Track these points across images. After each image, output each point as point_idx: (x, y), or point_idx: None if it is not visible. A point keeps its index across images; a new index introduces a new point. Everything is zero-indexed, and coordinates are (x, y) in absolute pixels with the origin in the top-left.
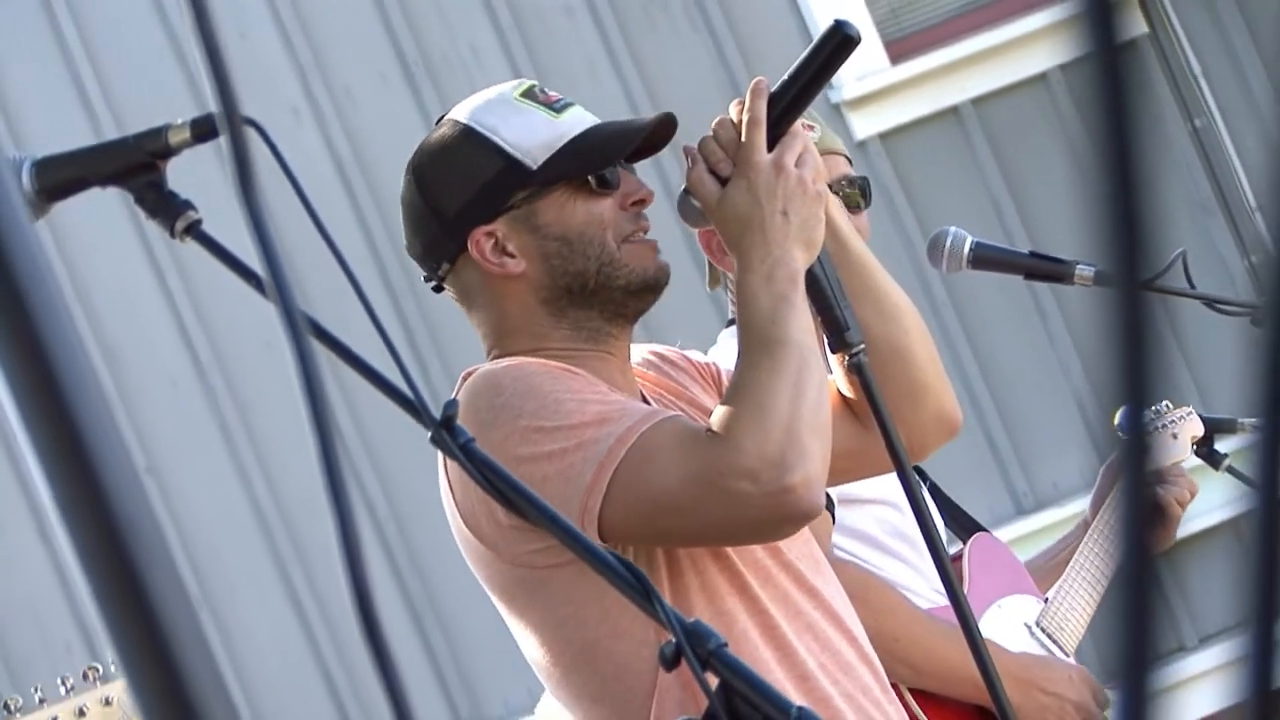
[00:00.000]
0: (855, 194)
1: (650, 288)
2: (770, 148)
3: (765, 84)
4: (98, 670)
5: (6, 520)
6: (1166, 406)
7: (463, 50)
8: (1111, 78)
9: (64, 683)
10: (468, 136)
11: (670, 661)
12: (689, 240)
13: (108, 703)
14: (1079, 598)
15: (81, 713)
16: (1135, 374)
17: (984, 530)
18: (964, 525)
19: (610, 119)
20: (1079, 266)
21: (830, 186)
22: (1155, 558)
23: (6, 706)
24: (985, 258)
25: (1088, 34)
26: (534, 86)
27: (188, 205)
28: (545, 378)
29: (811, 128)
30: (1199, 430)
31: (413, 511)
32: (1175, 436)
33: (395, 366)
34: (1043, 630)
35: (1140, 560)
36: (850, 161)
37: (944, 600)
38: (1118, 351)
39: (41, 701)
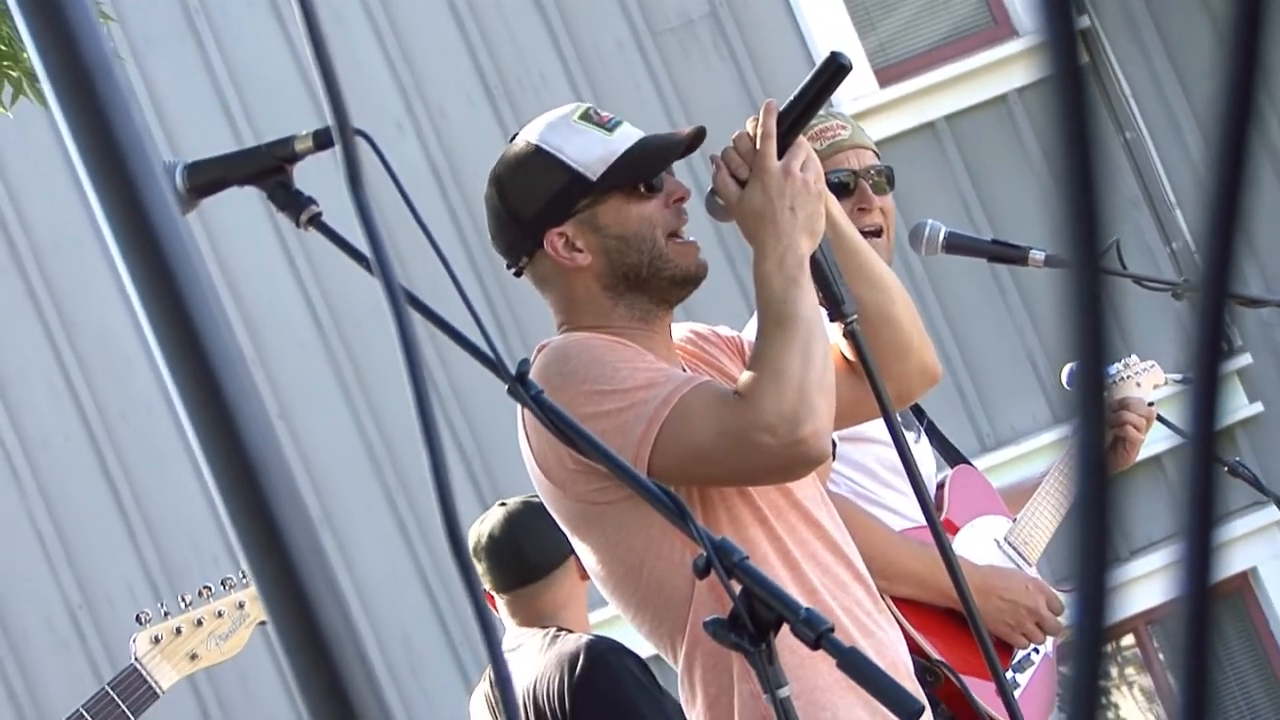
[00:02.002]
0: (882, 181)
1: (691, 280)
2: (780, 156)
3: (775, 104)
4: (232, 580)
5: (168, 457)
6: (1135, 359)
7: (533, 76)
8: (1075, 96)
9: (205, 591)
10: (538, 154)
11: (702, 571)
12: (717, 234)
13: (241, 606)
14: (1043, 518)
15: (220, 614)
16: (1097, 332)
17: (967, 462)
18: (951, 457)
19: (652, 131)
20: (1032, 251)
21: (860, 172)
22: (1110, 468)
23: (139, 619)
24: (956, 244)
25: (1054, 57)
26: (589, 109)
27: (310, 201)
28: (605, 349)
29: (844, 128)
30: (1160, 379)
31: (493, 449)
32: (1139, 385)
33: (479, 333)
34: (1010, 544)
35: (1097, 467)
36: (877, 155)
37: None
38: (1083, 315)
39: (188, 605)
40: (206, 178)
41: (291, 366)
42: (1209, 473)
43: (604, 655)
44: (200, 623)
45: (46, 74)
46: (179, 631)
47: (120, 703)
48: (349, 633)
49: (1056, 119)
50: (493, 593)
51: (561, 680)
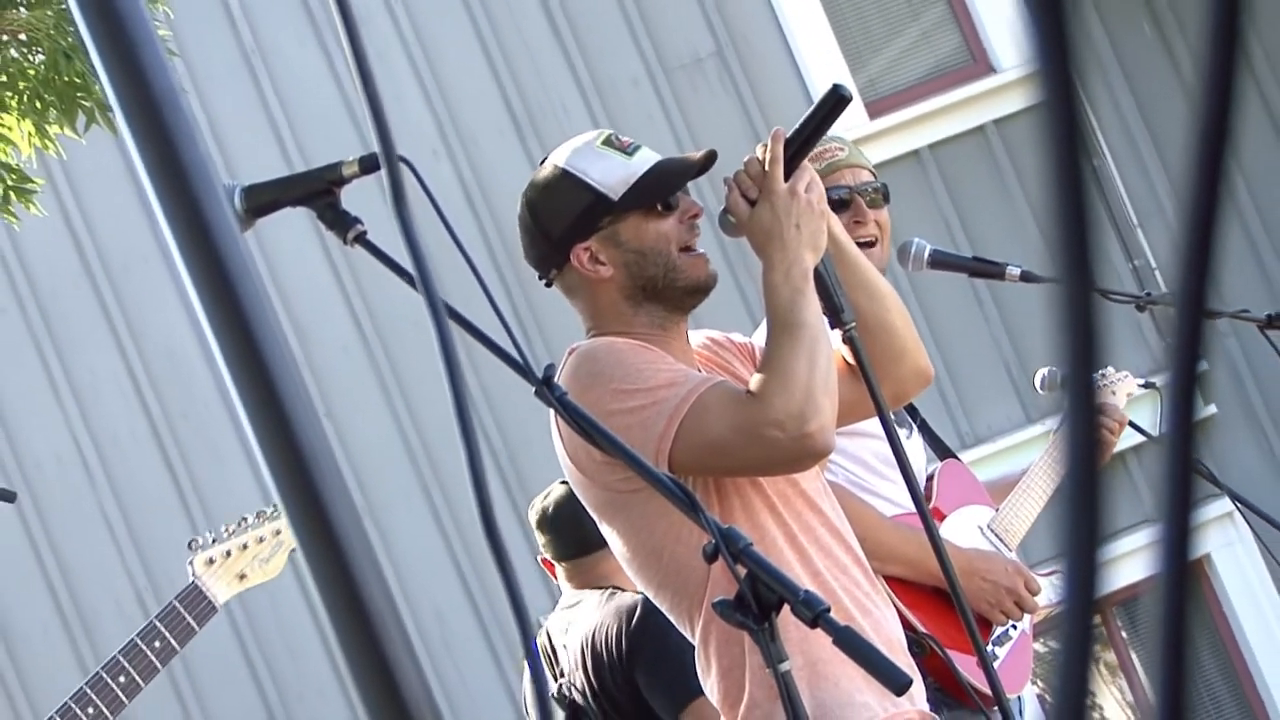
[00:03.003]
0: (877, 196)
1: (702, 289)
2: (786, 178)
3: (782, 131)
4: (265, 512)
5: (225, 451)
6: (1112, 370)
7: (556, 107)
8: (1068, 121)
9: (243, 521)
10: (565, 177)
11: (710, 556)
12: (721, 250)
13: (278, 533)
14: (1025, 508)
15: (261, 540)
16: (1089, 341)
17: (955, 456)
18: (941, 451)
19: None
20: (1009, 267)
21: (856, 188)
22: (1098, 458)
23: (191, 545)
24: (940, 261)
25: (1048, 82)
26: (611, 135)
27: (356, 220)
28: (629, 352)
29: (842, 149)
30: (1133, 388)
31: (519, 445)
32: (1114, 393)
33: (508, 339)
34: (992, 531)
35: (1087, 455)
36: (873, 173)
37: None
38: (1075, 322)
39: (229, 532)
40: (262, 199)
41: (337, 370)
42: (1188, 460)
43: (656, 609)
44: (246, 547)
45: (119, 105)
46: (229, 555)
47: (186, 615)
48: (388, 605)
49: (1050, 143)
50: (552, 560)
51: (620, 628)
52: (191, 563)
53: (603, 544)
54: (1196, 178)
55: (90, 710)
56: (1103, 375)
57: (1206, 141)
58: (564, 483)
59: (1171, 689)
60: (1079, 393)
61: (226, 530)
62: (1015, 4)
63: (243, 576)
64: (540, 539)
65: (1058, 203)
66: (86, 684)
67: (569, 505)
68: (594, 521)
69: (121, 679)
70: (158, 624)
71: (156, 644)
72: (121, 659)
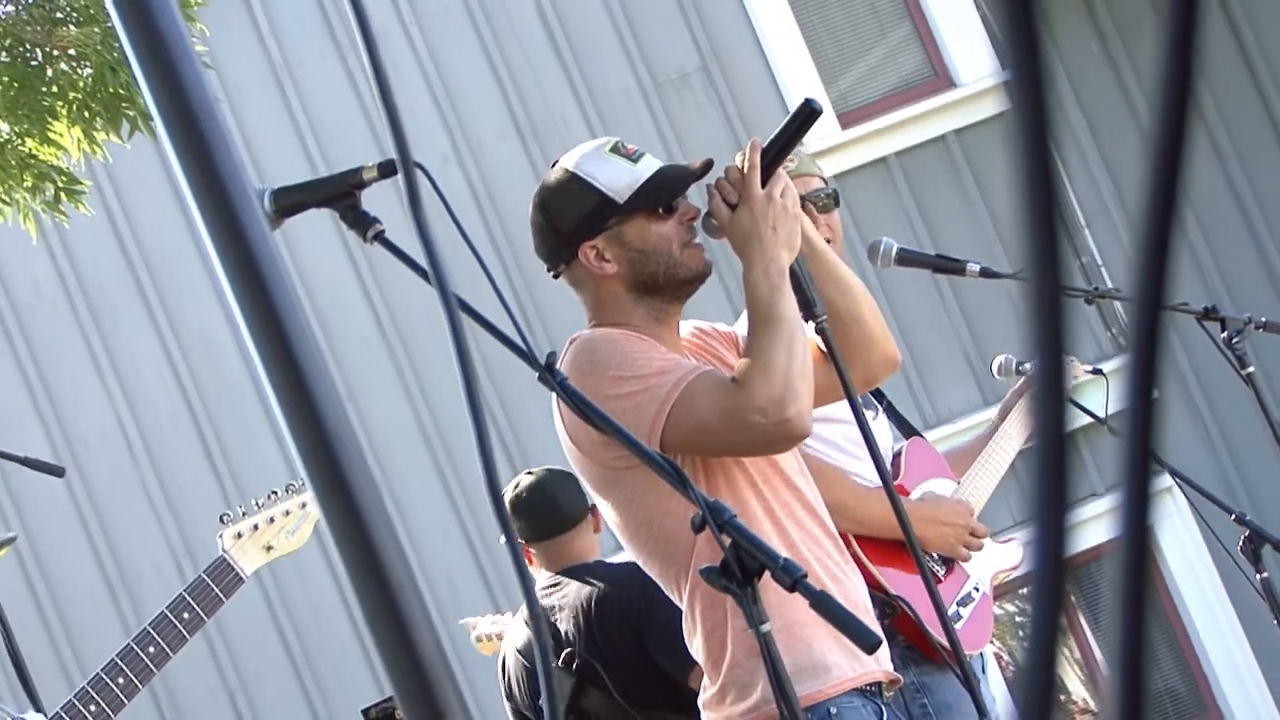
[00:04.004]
0: (829, 201)
1: (699, 278)
2: (763, 185)
3: (759, 141)
4: (293, 485)
5: (255, 430)
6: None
7: (555, 118)
8: (1038, 123)
9: (273, 495)
10: (575, 180)
11: (698, 527)
12: (709, 249)
13: (304, 505)
14: (983, 481)
15: (287, 513)
16: (1057, 328)
17: (919, 434)
18: (906, 431)
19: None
20: (969, 264)
21: (808, 195)
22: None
23: (222, 519)
24: (905, 258)
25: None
26: (618, 143)
27: (375, 220)
28: (625, 342)
29: (792, 160)
30: (1079, 371)
31: (522, 426)
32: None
33: (514, 329)
34: None
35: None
36: (825, 180)
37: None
38: (1047, 317)
39: (259, 506)
40: (289, 201)
41: (356, 357)
42: (1147, 431)
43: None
44: (273, 520)
45: (159, 113)
46: (256, 528)
47: (214, 586)
48: (405, 569)
49: (1021, 144)
50: (527, 543)
51: (632, 587)
52: (220, 536)
53: (573, 525)
54: (1154, 176)
55: (120, 680)
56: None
57: (1164, 140)
58: (530, 472)
59: (1132, 648)
60: (1049, 368)
61: (256, 504)
62: (992, 14)
63: (270, 548)
64: (515, 526)
65: (1030, 200)
66: (118, 655)
67: (540, 492)
68: (566, 504)
69: (151, 649)
70: (186, 596)
71: (185, 615)
72: (151, 630)
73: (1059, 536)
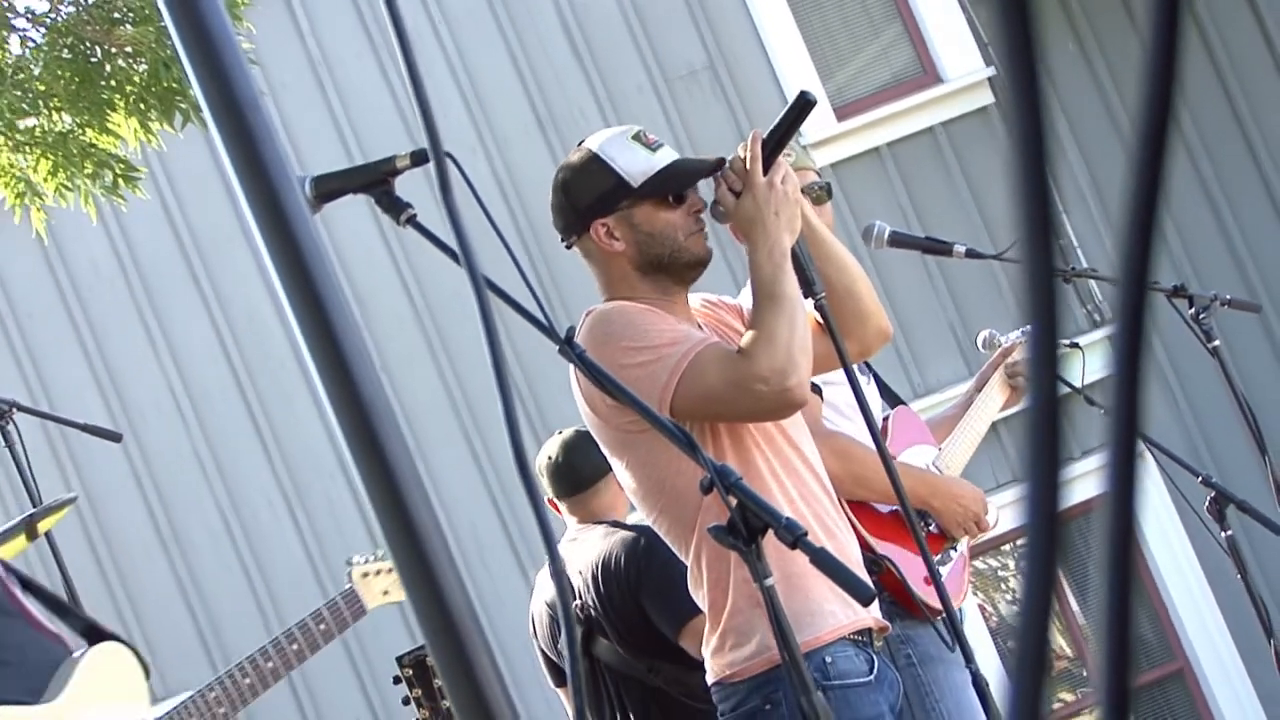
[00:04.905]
0: (822, 194)
1: (702, 263)
2: (765, 173)
3: (760, 132)
4: None
5: (297, 401)
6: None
7: (574, 112)
8: (1034, 111)
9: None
10: (595, 160)
11: (706, 488)
12: (714, 233)
13: None
14: (961, 447)
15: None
16: (1051, 306)
17: (904, 404)
18: (892, 400)
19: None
20: (956, 246)
21: (803, 188)
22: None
23: (348, 561)
24: (897, 240)
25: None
26: (640, 131)
27: (408, 205)
28: (637, 314)
29: (789, 154)
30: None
31: (543, 394)
32: None
33: (536, 307)
34: (936, 467)
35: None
36: (817, 173)
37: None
38: (1041, 296)
39: (380, 556)
40: (328, 187)
41: (390, 333)
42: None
43: (657, 542)
44: (392, 570)
45: (208, 107)
46: (378, 573)
47: (345, 609)
48: (435, 526)
49: (1018, 133)
50: (555, 500)
51: (627, 558)
52: (349, 573)
53: (595, 481)
54: (1140, 157)
55: (271, 663)
56: (1023, 332)
57: (1150, 122)
58: (559, 433)
59: (1119, 606)
60: (1042, 344)
61: (376, 555)
62: (988, 8)
63: (385, 593)
64: (545, 484)
65: (1024, 182)
66: (266, 645)
67: (565, 453)
68: (586, 465)
69: (294, 646)
70: (324, 612)
71: (322, 626)
72: (296, 630)
73: (1053, 492)
